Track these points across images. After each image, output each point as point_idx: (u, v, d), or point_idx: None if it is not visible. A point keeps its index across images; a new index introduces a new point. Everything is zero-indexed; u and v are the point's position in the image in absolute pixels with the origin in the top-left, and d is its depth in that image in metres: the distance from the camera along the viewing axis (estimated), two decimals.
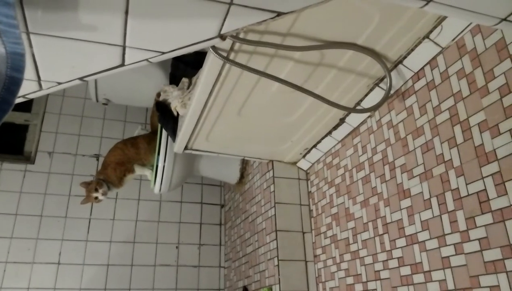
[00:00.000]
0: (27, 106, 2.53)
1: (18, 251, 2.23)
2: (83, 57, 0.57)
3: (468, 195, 1.03)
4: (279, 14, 0.52)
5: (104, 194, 1.91)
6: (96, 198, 1.90)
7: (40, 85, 0.61)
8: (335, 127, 1.61)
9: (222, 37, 0.55)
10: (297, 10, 0.51)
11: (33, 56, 0.55)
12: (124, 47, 0.56)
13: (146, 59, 0.58)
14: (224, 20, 0.53)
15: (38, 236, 2.28)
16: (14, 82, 0.47)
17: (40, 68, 0.58)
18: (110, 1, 0.49)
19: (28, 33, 0.52)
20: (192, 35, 0.55)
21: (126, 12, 0.50)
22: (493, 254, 0.95)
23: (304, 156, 1.84)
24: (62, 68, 0.58)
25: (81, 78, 0.60)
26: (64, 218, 2.35)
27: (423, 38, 1.18)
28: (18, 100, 0.67)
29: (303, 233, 1.78)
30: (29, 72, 0.58)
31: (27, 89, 0.62)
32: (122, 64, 0.59)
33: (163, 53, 0.57)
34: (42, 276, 2.23)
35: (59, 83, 0.61)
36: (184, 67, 1.74)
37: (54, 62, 0.57)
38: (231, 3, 0.51)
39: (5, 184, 2.31)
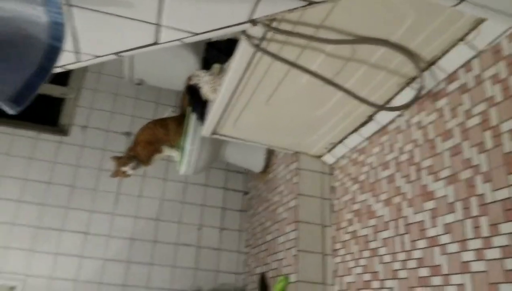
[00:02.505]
0: (64, 80, 2.63)
1: (48, 217, 2.34)
2: (120, 33, 0.59)
3: (494, 201, 1.01)
4: (310, 3, 0.53)
5: (133, 169, 1.97)
6: (125, 172, 1.97)
7: (78, 57, 0.64)
8: (363, 124, 1.60)
9: (253, 22, 0.55)
10: (329, 0, 0.52)
11: (73, 28, 0.58)
12: (158, 26, 0.58)
13: (179, 39, 0.60)
14: (256, 5, 0.53)
15: (69, 205, 2.38)
16: (54, 51, 0.50)
17: (79, 41, 0.60)
18: None
19: (69, 5, 0.54)
20: (224, 18, 0.56)
21: None
22: None
23: (329, 151, 1.83)
24: (100, 42, 0.61)
25: (116, 53, 0.63)
26: (94, 190, 2.44)
27: (459, 41, 1.15)
28: (57, 70, 0.70)
29: (323, 226, 1.78)
30: (68, 44, 0.61)
31: (66, 60, 0.65)
32: (156, 43, 0.61)
33: (196, 34, 0.59)
34: (70, 243, 2.33)
35: (97, 57, 0.64)
36: (217, 53, 1.76)
37: (93, 36, 0.60)
38: None
39: (40, 153, 2.42)
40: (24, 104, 0.48)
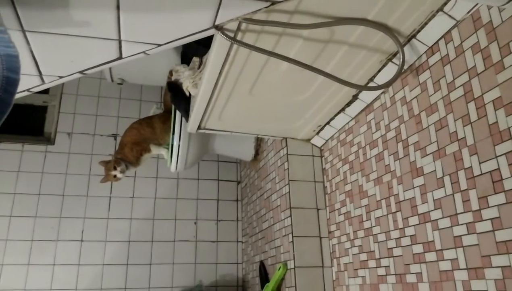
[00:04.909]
0: None
1: (42, 229, 2.33)
2: (81, 51, 0.57)
3: (481, 174, 1.01)
4: (273, 3, 0.51)
5: (122, 172, 1.95)
6: (115, 176, 1.95)
7: (42, 79, 0.62)
8: (348, 104, 1.59)
9: (218, 27, 0.54)
10: None
11: (31, 52, 0.56)
12: (120, 41, 0.56)
13: (143, 52, 0.58)
14: (218, 11, 0.52)
15: (61, 215, 2.37)
16: (11, 83, 0.48)
17: (40, 64, 0.58)
18: None
19: (23, 31, 0.52)
20: (186, 27, 0.54)
21: (118, 7, 0.50)
22: (505, 234, 0.94)
23: (317, 133, 1.83)
24: (62, 63, 0.59)
25: (81, 72, 0.61)
26: (85, 196, 2.43)
27: (437, 11, 1.13)
28: (23, 94, 0.68)
29: (318, 209, 1.79)
30: (29, 68, 0.59)
31: (30, 83, 0.63)
32: (120, 57, 0.59)
33: (159, 45, 0.57)
34: (67, 253, 2.33)
35: (61, 77, 0.62)
36: (195, 46, 1.71)
37: (53, 58, 0.58)
38: None
39: (27, 165, 2.39)
40: None
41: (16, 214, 2.31)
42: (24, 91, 0.64)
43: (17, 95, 0.57)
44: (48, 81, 0.63)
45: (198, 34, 0.55)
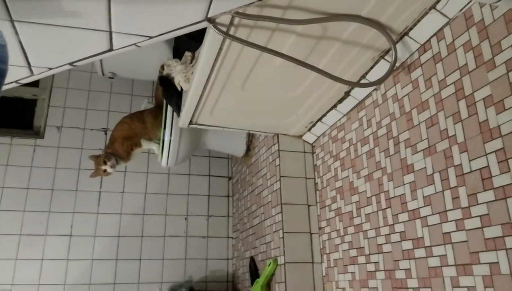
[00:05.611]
0: (34, 80, 2.54)
1: (31, 223, 2.30)
2: (70, 43, 0.56)
3: (471, 171, 1.02)
4: None
5: (112, 166, 1.93)
6: (105, 171, 1.93)
7: (31, 71, 0.61)
8: (340, 101, 1.59)
9: (210, 20, 0.53)
10: None
11: (20, 43, 0.55)
12: (110, 32, 0.55)
13: (134, 44, 0.58)
14: (210, 3, 0.51)
15: (50, 209, 2.34)
16: None
17: (28, 55, 0.57)
18: None
19: (12, 21, 0.51)
20: (178, 19, 0.53)
21: None
22: (493, 231, 0.95)
23: (309, 129, 1.83)
24: (51, 54, 0.58)
25: (71, 64, 0.60)
26: (75, 191, 2.41)
27: (430, 9, 1.14)
28: (11, 85, 0.67)
29: (308, 205, 1.79)
30: (18, 59, 0.58)
31: (18, 75, 0.62)
32: (111, 49, 0.58)
33: (151, 37, 0.56)
34: (56, 248, 2.31)
35: (50, 69, 0.61)
36: (187, 40, 1.71)
37: (42, 49, 0.57)
38: None
39: (16, 159, 2.36)
40: None
41: (4, 208, 2.28)
42: (12, 83, 0.63)
43: (5, 87, 0.56)
44: (37, 72, 0.61)
45: (190, 26, 0.54)
